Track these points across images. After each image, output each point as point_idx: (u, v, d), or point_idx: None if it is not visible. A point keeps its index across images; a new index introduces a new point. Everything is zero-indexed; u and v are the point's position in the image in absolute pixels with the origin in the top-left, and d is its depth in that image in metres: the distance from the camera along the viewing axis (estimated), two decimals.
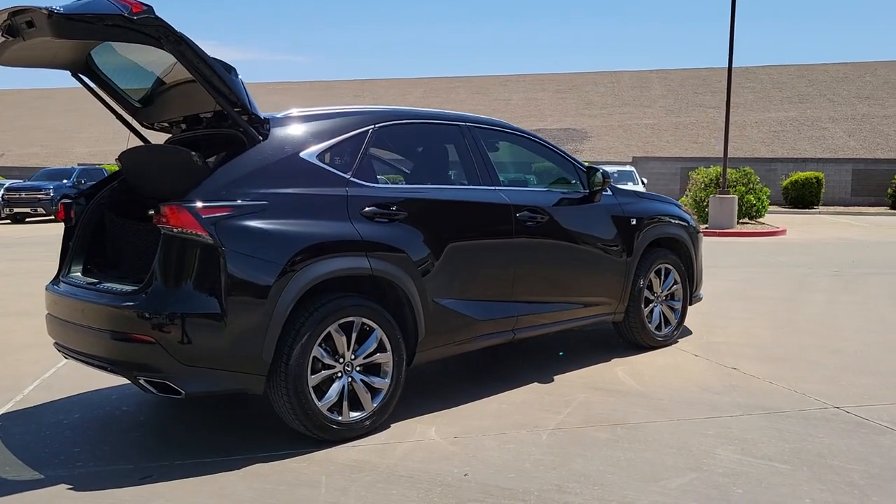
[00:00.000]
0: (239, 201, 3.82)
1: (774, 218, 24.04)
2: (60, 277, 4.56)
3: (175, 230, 3.71)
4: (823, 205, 31.20)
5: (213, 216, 3.72)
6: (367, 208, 4.22)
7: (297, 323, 3.90)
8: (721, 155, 19.89)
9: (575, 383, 5.16)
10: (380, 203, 4.28)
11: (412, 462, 3.82)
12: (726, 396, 4.81)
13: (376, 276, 4.19)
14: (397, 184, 4.59)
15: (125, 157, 4.68)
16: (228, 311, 3.72)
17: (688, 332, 6.59)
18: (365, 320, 4.14)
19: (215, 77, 3.88)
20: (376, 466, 3.77)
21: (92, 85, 4.68)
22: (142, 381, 3.78)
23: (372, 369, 4.23)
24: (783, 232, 19.11)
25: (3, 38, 3.93)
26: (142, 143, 4.82)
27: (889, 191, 29.72)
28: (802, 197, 30.11)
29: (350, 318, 4.09)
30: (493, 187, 4.91)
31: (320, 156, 4.20)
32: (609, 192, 5.66)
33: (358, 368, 4.17)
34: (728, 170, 20.29)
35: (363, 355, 4.18)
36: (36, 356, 6.13)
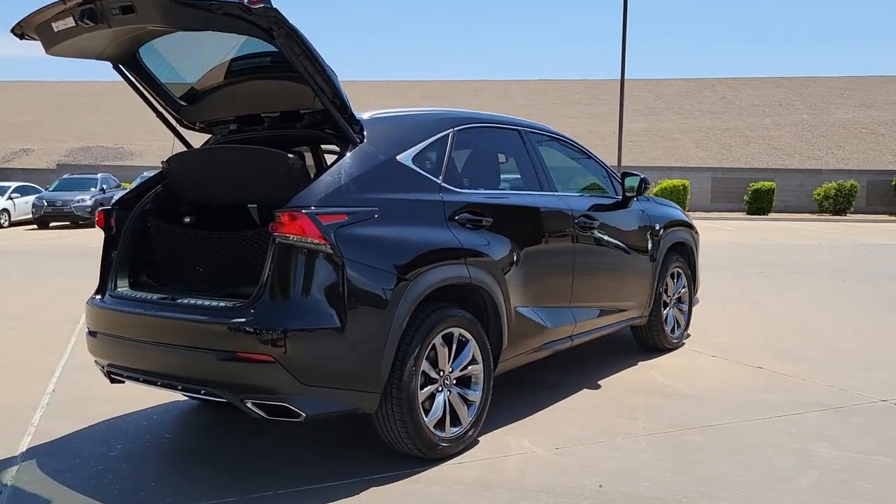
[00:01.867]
0: (352, 207, 3.57)
1: None
2: (108, 292, 4.08)
3: (291, 238, 3.41)
4: (689, 210, 33.17)
5: (331, 223, 3.46)
6: (459, 214, 4.06)
7: (408, 336, 3.70)
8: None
9: (623, 388, 5.19)
10: (470, 209, 4.13)
11: (535, 476, 3.69)
12: (774, 395, 4.98)
13: (474, 284, 4.04)
14: (481, 189, 4.44)
15: (176, 161, 4.27)
16: (350, 324, 3.46)
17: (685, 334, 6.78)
18: (462, 331, 3.98)
19: (320, 75, 3.60)
20: (502, 483, 3.62)
21: (133, 79, 4.24)
22: (249, 405, 3.44)
23: (464, 382, 4.07)
24: None
25: (75, 25, 3.48)
26: (191, 148, 4.43)
27: (745, 197, 32.01)
28: None
29: (451, 330, 3.92)
30: (554, 193, 4.87)
31: (414, 160, 4.00)
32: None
33: (454, 381, 4.00)
34: None
35: (459, 368, 4.01)
36: (12, 381, 5.50)
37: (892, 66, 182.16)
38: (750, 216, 30.69)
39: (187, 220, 4.47)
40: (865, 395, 4.94)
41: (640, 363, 5.84)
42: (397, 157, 3.92)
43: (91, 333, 4.05)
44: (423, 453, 3.80)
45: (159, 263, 4.26)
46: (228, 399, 3.48)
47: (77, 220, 24.01)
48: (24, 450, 4.13)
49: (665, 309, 6.06)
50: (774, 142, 50.75)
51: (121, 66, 4.15)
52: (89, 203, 24.22)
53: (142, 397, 4.88)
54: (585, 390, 5.13)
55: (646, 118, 58.07)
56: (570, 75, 66.96)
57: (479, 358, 4.09)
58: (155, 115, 4.41)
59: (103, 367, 4.00)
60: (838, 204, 30.50)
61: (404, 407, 3.66)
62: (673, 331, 6.19)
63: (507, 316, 4.27)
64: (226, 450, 4.17)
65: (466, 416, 4.02)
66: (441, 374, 3.91)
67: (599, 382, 5.30)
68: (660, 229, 5.88)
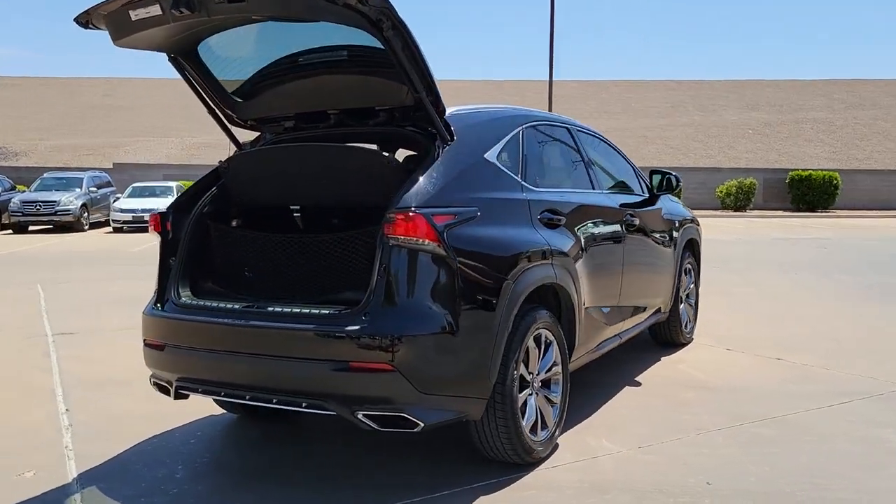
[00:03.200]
0: (458, 207, 3.44)
1: None
2: (171, 301, 3.78)
3: (402, 239, 3.24)
4: None
5: (444, 223, 3.31)
6: (542, 213, 3.98)
7: (510, 339, 3.58)
8: None
9: (662, 383, 5.23)
10: (550, 208, 4.06)
11: (639, 475, 3.65)
12: (809, 385, 5.13)
13: (558, 284, 3.96)
14: (551, 188, 4.36)
15: (237, 160, 4.01)
16: (463, 327, 3.33)
17: None
18: (547, 332, 3.90)
19: (420, 71, 3.43)
20: (612, 484, 3.56)
21: (189, 73, 3.95)
22: (360, 416, 3.24)
23: (546, 383, 3.99)
24: None
25: (161, 14, 3.21)
26: (242, 147, 4.17)
27: None
28: None
29: (540, 331, 3.83)
30: (604, 191, 4.86)
31: (498, 158, 3.89)
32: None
33: (539, 384, 3.91)
34: None
35: (545, 369, 3.93)
36: (18, 402, 5.06)
37: (771, 71, 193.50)
38: None
39: (234, 222, 4.21)
40: (895, 383, 5.16)
41: (664, 359, 5.91)
42: (485, 156, 3.80)
43: (154, 346, 3.73)
44: (522, 459, 3.69)
45: (218, 268, 3.98)
46: (337, 411, 3.26)
47: None
48: (75, 476, 3.77)
49: (680, 304, 6.16)
50: (670, 142, 52.89)
51: (178, 59, 3.87)
52: None
53: (167, 414, 4.54)
54: (628, 388, 5.13)
55: None
56: (476, 76, 67.52)
57: (558, 359, 4.02)
58: (207, 111, 4.13)
59: (170, 382, 3.69)
60: (739, 201, 31.97)
61: (507, 412, 3.55)
62: (686, 326, 6.30)
63: (579, 315, 4.22)
64: (295, 465, 3.94)
65: (552, 418, 3.94)
66: (531, 376, 3.82)
67: (637, 379, 5.33)
68: (679, 226, 5.97)
